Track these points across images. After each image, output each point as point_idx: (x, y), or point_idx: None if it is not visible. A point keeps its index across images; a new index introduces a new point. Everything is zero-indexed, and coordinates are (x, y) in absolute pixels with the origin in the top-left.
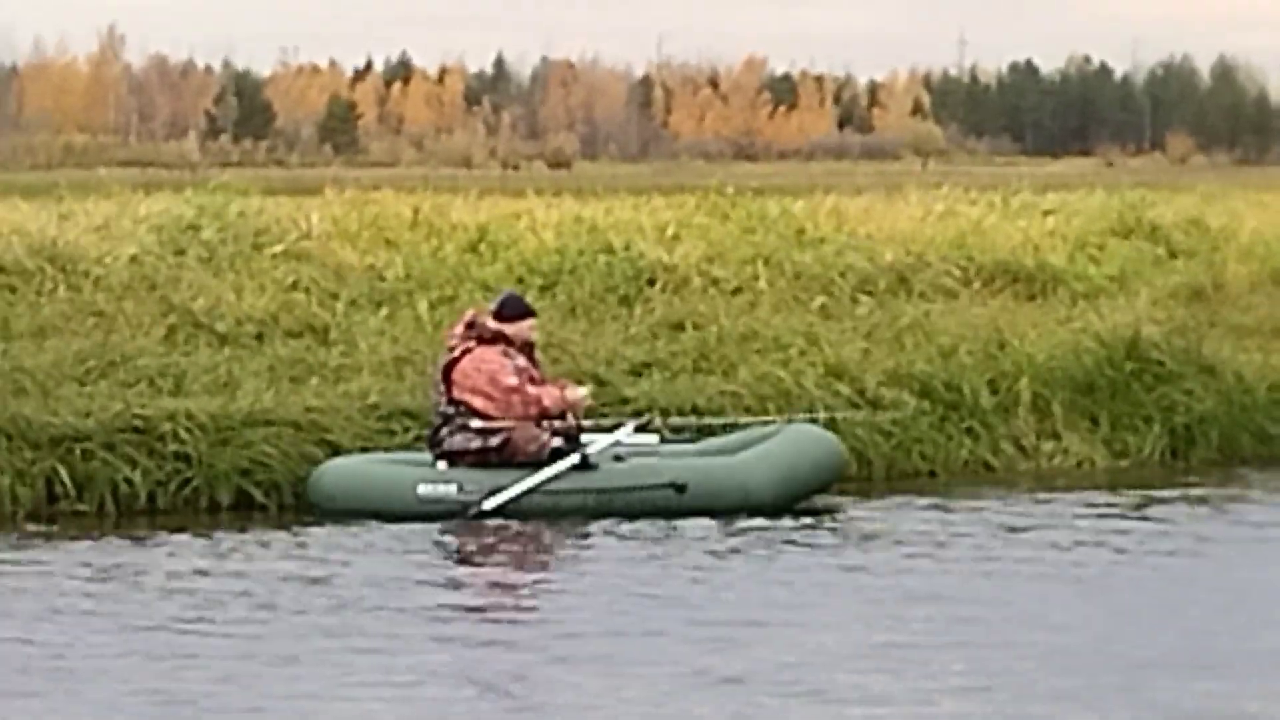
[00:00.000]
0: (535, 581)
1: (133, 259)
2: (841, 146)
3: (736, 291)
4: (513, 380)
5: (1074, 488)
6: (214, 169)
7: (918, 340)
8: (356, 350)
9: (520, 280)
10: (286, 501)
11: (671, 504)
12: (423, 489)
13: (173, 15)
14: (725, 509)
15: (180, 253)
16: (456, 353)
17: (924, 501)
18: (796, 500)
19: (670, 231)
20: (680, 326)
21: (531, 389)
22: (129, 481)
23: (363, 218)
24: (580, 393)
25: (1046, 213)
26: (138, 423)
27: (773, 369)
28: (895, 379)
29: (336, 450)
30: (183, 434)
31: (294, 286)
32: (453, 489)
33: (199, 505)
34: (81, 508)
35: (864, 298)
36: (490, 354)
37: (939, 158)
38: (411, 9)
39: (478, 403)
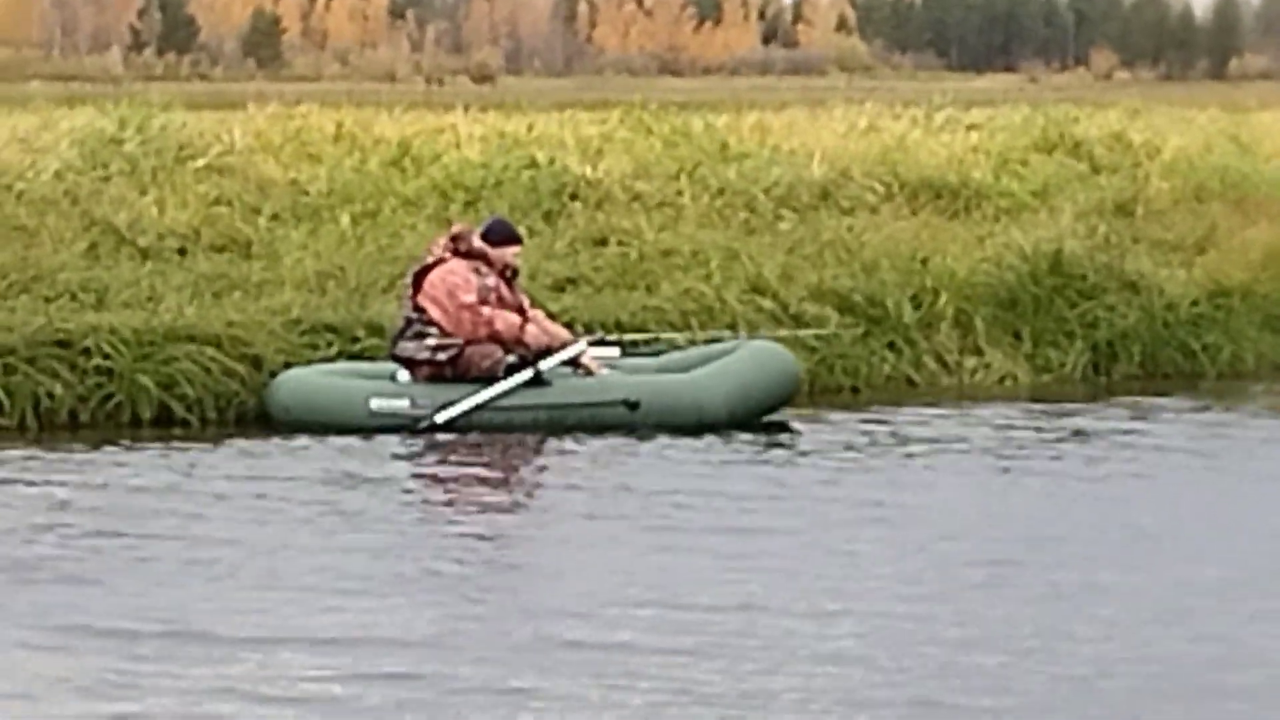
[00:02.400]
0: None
1: (55, 173)
2: (766, 62)
3: (660, 207)
4: (469, 298)
5: (996, 401)
6: (138, 83)
7: (840, 256)
8: (279, 265)
9: (443, 195)
10: (209, 417)
11: (624, 420)
12: (375, 403)
13: None
14: (679, 426)
15: (103, 166)
16: (431, 260)
17: (846, 415)
18: (752, 417)
19: (594, 147)
20: (603, 242)
21: (486, 310)
22: (50, 395)
23: (286, 132)
24: (530, 334)
25: (970, 129)
26: (60, 337)
27: (695, 284)
28: (818, 294)
29: (258, 364)
30: (105, 348)
31: (217, 201)
32: (405, 403)
33: (121, 420)
34: (3, 422)
35: (787, 213)
36: (460, 267)
37: (864, 73)
38: None
39: (434, 313)
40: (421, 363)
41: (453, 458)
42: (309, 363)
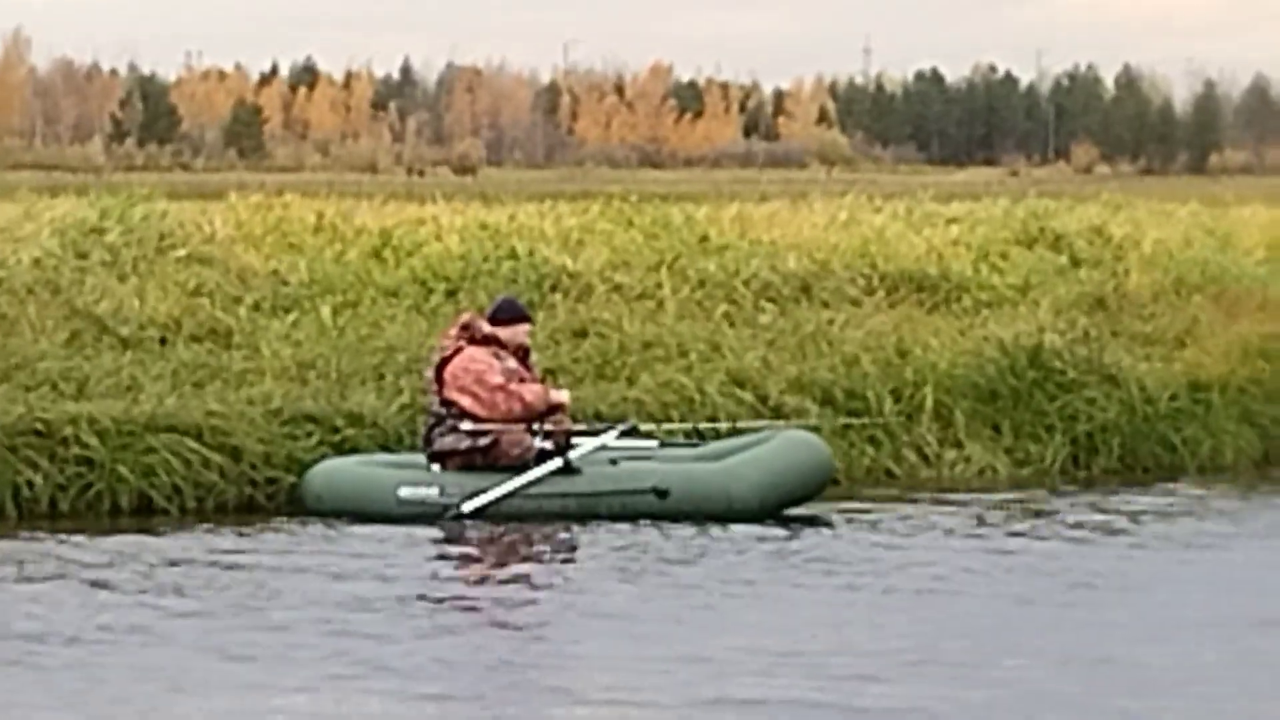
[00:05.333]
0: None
1: (36, 262)
2: (747, 154)
3: (640, 298)
4: (498, 379)
5: (976, 495)
6: (119, 173)
7: (821, 348)
8: (259, 355)
9: (424, 285)
10: (188, 505)
11: (654, 509)
12: (404, 491)
13: (78, 17)
14: (708, 515)
15: (84, 256)
16: (449, 352)
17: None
18: (783, 507)
19: (574, 238)
20: (583, 333)
21: (515, 386)
22: (30, 484)
23: (267, 222)
24: (563, 395)
25: (950, 221)
26: (39, 426)
27: (676, 376)
28: (798, 387)
29: (236, 454)
30: (85, 438)
31: (198, 291)
32: (434, 491)
33: (100, 509)
34: None
35: (768, 305)
36: (480, 353)
37: (844, 166)
38: (317, 12)
39: (465, 402)
40: (454, 453)
41: (471, 547)
42: (389, 450)
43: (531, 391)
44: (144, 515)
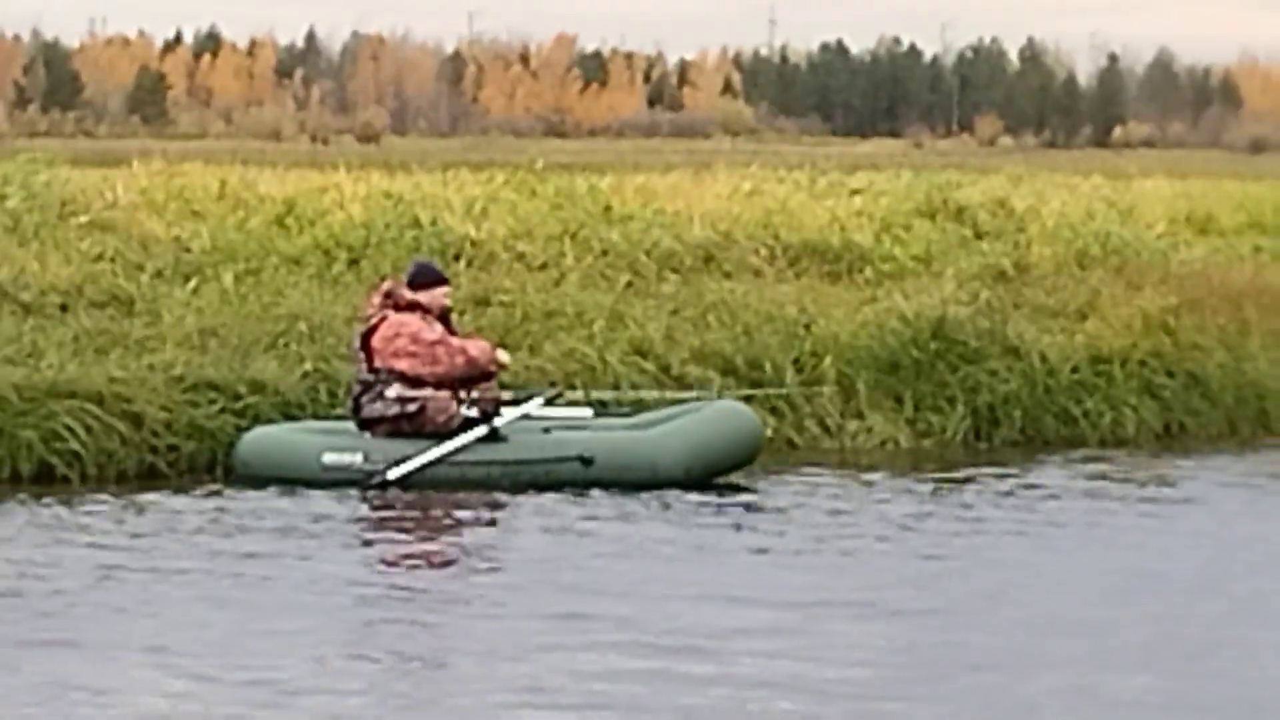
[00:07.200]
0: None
1: None
2: (651, 124)
3: (543, 267)
4: (434, 334)
5: (877, 467)
6: (21, 139)
7: (723, 319)
8: (161, 322)
9: (327, 253)
10: (89, 473)
11: (578, 476)
12: (328, 457)
13: None
14: (633, 483)
15: None
16: (375, 321)
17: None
18: (710, 476)
19: (478, 207)
20: (486, 302)
21: (455, 340)
22: None
23: (170, 189)
24: (506, 356)
25: (854, 192)
26: None
27: (578, 345)
28: (701, 357)
29: (138, 421)
30: None
31: (99, 257)
32: (359, 458)
33: (1, 475)
34: None
35: (671, 275)
36: (407, 317)
37: (749, 137)
38: None
39: (403, 364)
40: (381, 420)
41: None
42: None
43: (476, 346)
44: (45, 483)
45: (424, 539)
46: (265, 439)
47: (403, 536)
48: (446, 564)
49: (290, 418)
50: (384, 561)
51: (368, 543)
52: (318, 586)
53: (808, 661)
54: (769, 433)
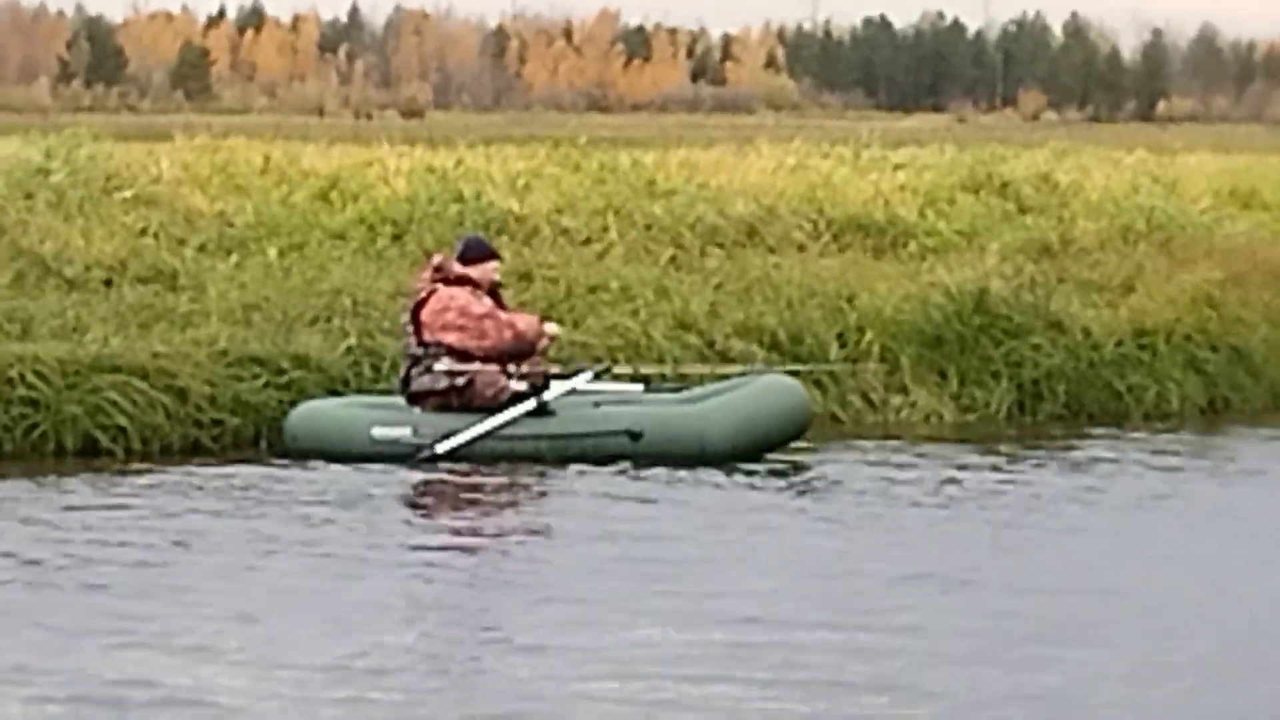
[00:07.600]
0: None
1: None
2: (694, 99)
3: (586, 242)
4: (482, 308)
5: (921, 441)
6: (65, 114)
7: (767, 293)
8: (205, 296)
9: (370, 228)
10: (133, 447)
11: (626, 450)
12: (377, 431)
13: None
14: (681, 457)
15: (29, 197)
16: (424, 295)
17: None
18: (757, 451)
19: (521, 182)
20: (529, 276)
21: (503, 314)
22: None
23: (213, 164)
24: (555, 328)
25: (897, 167)
26: None
27: (621, 320)
28: (744, 331)
29: (183, 396)
30: (30, 378)
31: (143, 232)
32: (407, 431)
33: (45, 450)
34: None
35: (714, 250)
36: (456, 291)
37: (792, 111)
38: None
39: (451, 338)
40: (430, 394)
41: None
42: (367, 392)
43: (524, 320)
44: (89, 456)
45: (473, 513)
46: (315, 413)
47: (452, 510)
48: (496, 536)
49: (334, 393)
50: (434, 535)
51: (418, 516)
52: (370, 560)
53: (879, 633)
54: (814, 407)
